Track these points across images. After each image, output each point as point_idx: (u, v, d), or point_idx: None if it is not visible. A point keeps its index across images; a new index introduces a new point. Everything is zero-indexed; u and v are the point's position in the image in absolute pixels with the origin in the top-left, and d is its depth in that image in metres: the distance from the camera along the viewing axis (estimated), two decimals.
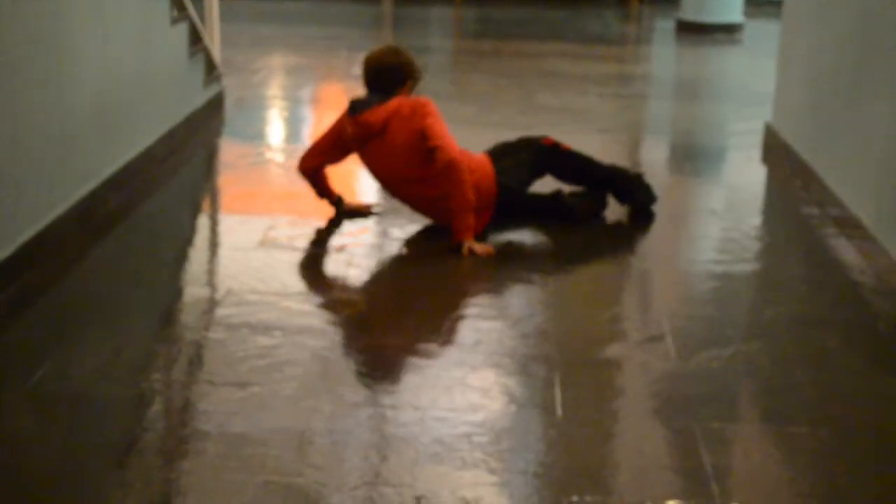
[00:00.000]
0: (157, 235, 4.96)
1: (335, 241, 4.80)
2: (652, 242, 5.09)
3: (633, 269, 4.75)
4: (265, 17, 11.08)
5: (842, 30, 5.34)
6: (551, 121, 7.13)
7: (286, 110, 7.51)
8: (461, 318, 4.00)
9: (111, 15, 5.17)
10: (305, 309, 4.06)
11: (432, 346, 3.78)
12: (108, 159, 5.18)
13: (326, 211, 5.27)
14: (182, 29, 6.30)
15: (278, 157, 6.29)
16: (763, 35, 10.17)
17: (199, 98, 6.67)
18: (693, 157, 6.60)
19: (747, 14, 11.07)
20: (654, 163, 6.56)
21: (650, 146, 6.97)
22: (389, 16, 11.89)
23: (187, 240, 4.95)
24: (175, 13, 6.16)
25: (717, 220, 5.35)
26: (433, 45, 9.89)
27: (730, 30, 10.80)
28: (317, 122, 7.35)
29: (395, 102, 4.86)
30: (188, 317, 4.06)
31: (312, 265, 4.50)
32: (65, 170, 4.71)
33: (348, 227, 5.04)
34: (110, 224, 4.92)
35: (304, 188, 5.75)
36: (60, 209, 4.62)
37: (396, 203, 5.35)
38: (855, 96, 5.10)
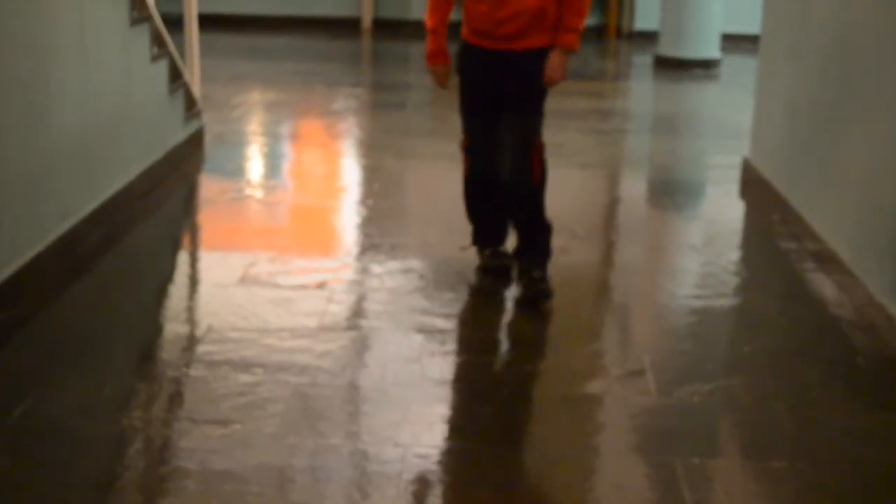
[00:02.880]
0: (138, 272, 4.96)
1: (315, 277, 4.80)
2: (631, 277, 5.11)
3: (613, 304, 4.77)
4: (244, 52, 11.10)
5: (818, 65, 5.39)
6: None
7: (266, 146, 7.53)
8: (442, 353, 4.01)
9: (92, 52, 5.18)
10: (286, 346, 4.06)
11: (413, 383, 3.79)
12: (88, 195, 5.18)
13: (306, 246, 5.27)
14: (162, 66, 6.31)
15: (258, 193, 6.30)
16: (740, 70, 10.24)
17: (180, 134, 6.68)
18: (672, 191, 6.63)
19: (724, 49, 11.13)
20: (633, 197, 6.59)
21: (629, 181, 7.00)
22: (368, 51, 11.93)
23: (168, 276, 4.94)
24: (155, 50, 6.17)
25: (696, 254, 5.38)
26: (412, 82, 9.93)
27: (707, 65, 10.87)
28: (296, 158, 7.37)
29: None
30: (169, 354, 4.06)
31: (293, 302, 4.50)
32: (45, 206, 4.70)
33: (328, 263, 5.05)
34: (91, 260, 4.91)
35: (285, 224, 5.77)
36: (41, 245, 4.61)
37: (375, 239, 5.36)
38: (832, 131, 5.14)
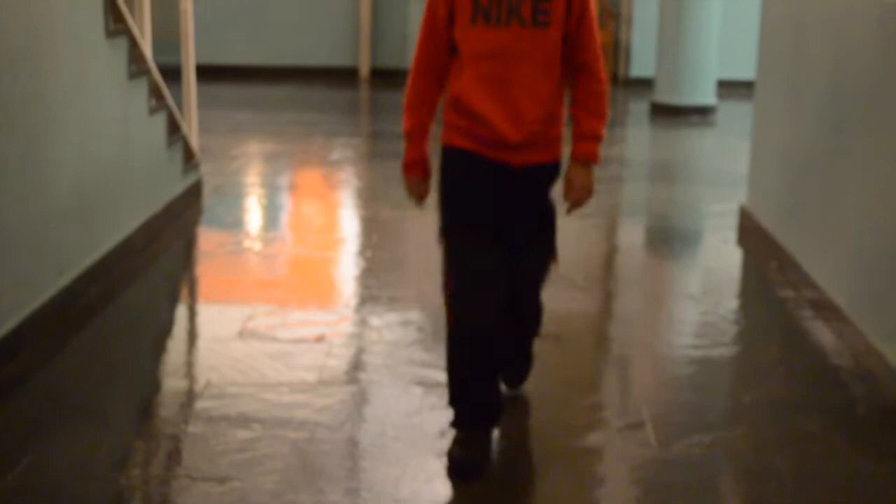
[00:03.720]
0: (136, 327, 4.95)
1: (314, 330, 4.80)
2: (630, 327, 5.11)
3: (612, 355, 4.76)
4: (243, 102, 11.15)
5: (814, 111, 5.41)
6: None
7: (264, 197, 7.54)
8: (442, 407, 4.00)
9: (90, 105, 5.20)
10: (285, 401, 4.05)
11: (413, 438, 3.78)
12: (86, 250, 5.18)
13: (305, 299, 5.27)
14: (160, 118, 6.34)
15: (257, 246, 6.30)
16: (736, 116, 10.28)
17: (178, 186, 6.70)
18: (669, 239, 6.64)
19: (720, 96, 11.18)
20: (631, 246, 6.60)
21: (627, 229, 7.01)
22: (366, 101, 11.98)
23: (166, 331, 4.94)
24: (153, 103, 6.20)
25: (695, 303, 5.38)
26: None
27: (703, 112, 10.91)
28: (295, 210, 7.38)
29: None
30: (167, 410, 4.05)
31: (291, 356, 4.49)
32: (43, 261, 4.71)
33: (326, 316, 5.04)
34: (89, 315, 4.91)
35: (283, 276, 5.77)
36: (38, 301, 4.61)
37: (374, 290, 5.37)
38: (828, 178, 5.15)
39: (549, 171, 3.67)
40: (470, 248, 3.57)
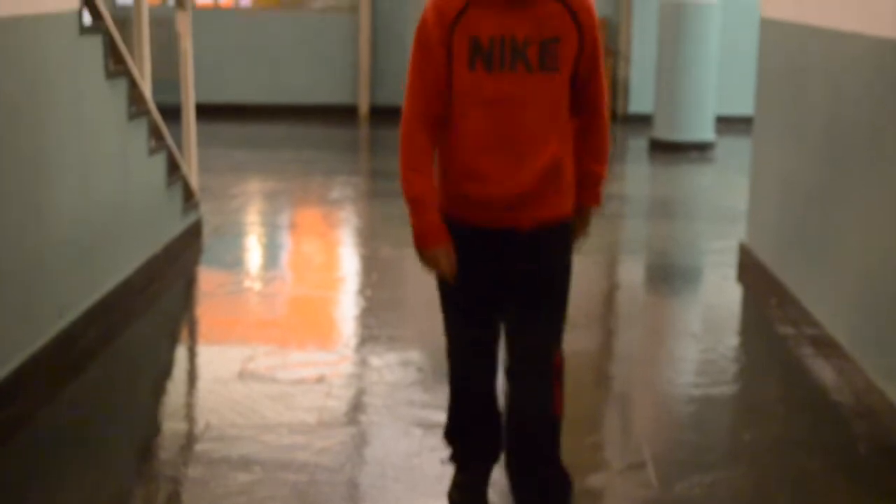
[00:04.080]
0: (136, 368, 4.95)
1: (314, 371, 4.79)
2: (631, 365, 5.10)
3: (613, 393, 4.76)
4: (243, 141, 11.17)
5: (812, 148, 5.42)
6: None
7: (264, 237, 7.55)
8: (442, 448, 3.98)
9: (90, 146, 5.22)
10: (285, 443, 4.04)
11: (413, 480, 3.77)
12: (86, 291, 5.18)
13: (305, 339, 5.27)
14: (160, 159, 6.35)
15: (256, 285, 6.31)
16: (735, 152, 10.30)
17: (177, 226, 6.70)
18: (670, 277, 6.64)
19: (719, 131, 11.21)
20: (631, 284, 6.60)
21: (627, 267, 7.01)
22: (365, 139, 12.00)
23: (166, 372, 4.93)
24: (153, 143, 6.21)
25: (695, 341, 5.37)
26: None
27: (702, 148, 10.93)
28: (295, 249, 7.38)
29: None
30: (167, 453, 4.04)
31: (291, 397, 4.48)
32: (42, 302, 4.71)
33: (326, 356, 5.04)
34: (89, 357, 4.91)
35: (283, 316, 5.76)
36: (38, 343, 4.61)
37: (374, 330, 5.36)
38: (827, 215, 5.16)
39: (564, 230, 3.28)
40: (465, 328, 3.37)
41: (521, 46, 3.06)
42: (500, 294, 3.28)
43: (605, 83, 3.29)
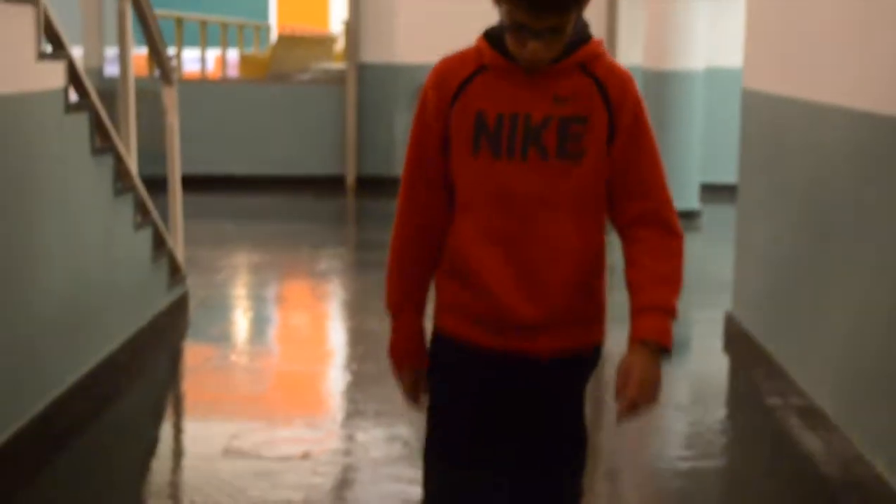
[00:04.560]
0: (121, 445, 4.92)
1: (299, 447, 4.76)
2: (618, 438, 5.08)
3: (601, 468, 4.73)
4: (230, 213, 11.19)
5: (796, 219, 5.45)
6: None
7: (250, 310, 7.54)
8: None
9: (75, 223, 5.22)
10: None
11: None
12: (70, 367, 5.16)
13: (291, 414, 5.24)
14: (145, 234, 6.36)
15: (243, 360, 6.28)
16: (721, 220, 10.34)
17: (163, 301, 6.69)
18: None
19: (704, 199, 11.25)
20: (617, 355, 6.58)
21: (615, 338, 6.97)
22: (352, 210, 12.04)
23: (150, 449, 4.90)
24: (138, 219, 6.22)
25: (683, 413, 5.36)
26: None
27: (688, 217, 10.95)
28: (281, 322, 7.37)
29: (589, 53, 2.57)
30: None
31: (277, 474, 4.45)
32: (27, 379, 4.69)
33: (312, 433, 5.01)
34: (72, 434, 4.87)
35: (269, 391, 5.74)
36: (21, 420, 4.58)
37: (360, 405, 5.34)
38: (811, 285, 5.17)
39: (587, 365, 2.75)
40: (461, 482, 2.72)
41: (535, 127, 2.50)
42: (500, 445, 2.71)
43: (664, 174, 2.59)
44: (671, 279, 2.60)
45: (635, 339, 2.59)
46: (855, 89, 4.63)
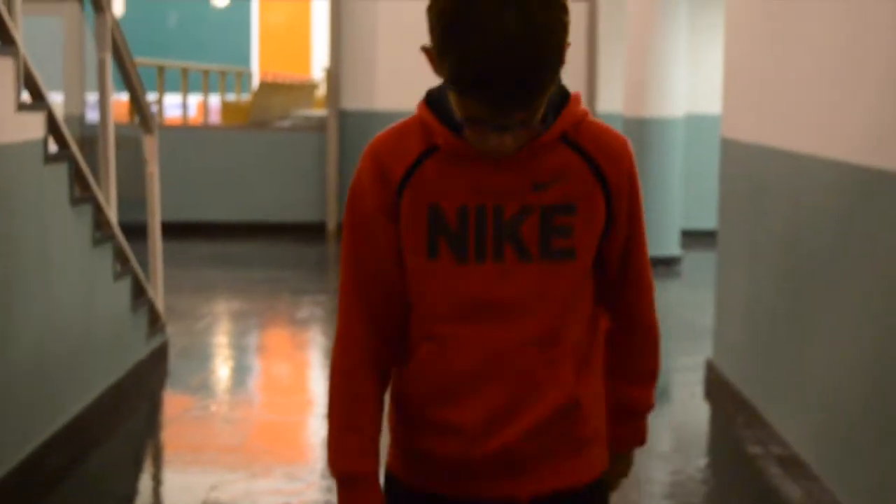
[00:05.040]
0: (99, 496, 4.89)
1: (279, 499, 4.74)
2: None
3: None
4: (210, 260, 11.18)
5: (775, 266, 5.46)
6: None
7: (231, 359, 7.52)
8: None
9: (54, 274, 5.20)
10: None
11: None
12: (48, 418, 5.13)
13: (271, 465, 5.21)
14: (125, 283, 6.34)
15: (223, 409, 6.26)
16: (702, 266, 10.36)
17: (143, 350, 6.67)
18: None
19: (685, 246, 11.29)
20: None
21: None
22: (333, 256, 12.03)
23: (129, 501, 4.87)
24: (118, 268, 6.21)
25: (664, 462, 5.35)
26: None
27: (669, 263, 10.98)
28: (262, 371, 7.35)
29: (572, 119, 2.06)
30: None
31: None
32: (5, 429, 4.65)
33: (292, 484, 4.98)
34: (50, 487, 4.84)
35: (250, 441, 5.71)
36: (2, 470, 4.54)
37: None
38: (791, 332, 5.18)
39: (590, 500, 2.16)
40: None
41: (510, 220, 2.01)
42: None
43: (647, 261, 2.17)
44: (653, 374, 2.25)
45: (619, 450, 2.28)
46: (833, 139, 4.66)
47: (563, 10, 1.88)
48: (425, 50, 1.94)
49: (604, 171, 2.04)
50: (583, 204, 2.03)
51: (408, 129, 2.08)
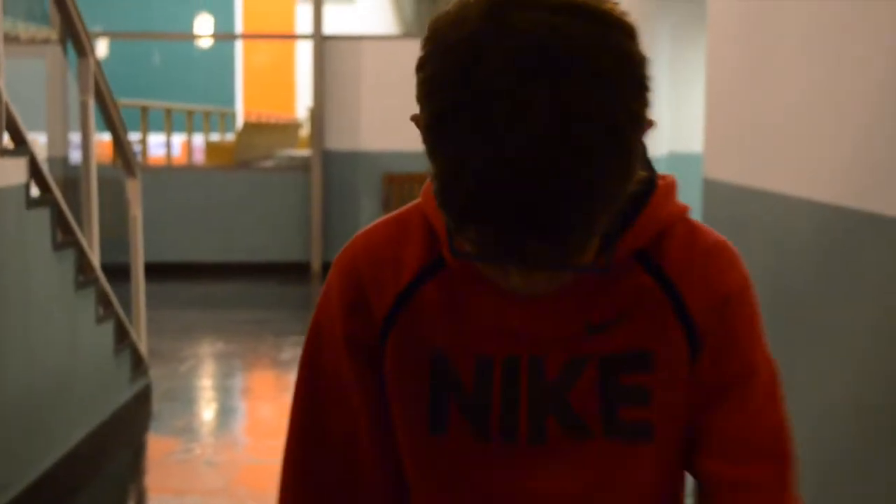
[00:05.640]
0: None
1: None
2: None
3: None
4: (194, 301, 11.15)
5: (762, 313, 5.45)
6: None
7: (215, 401, 7.48)
8: None
9: (36, 319, 5.18)
10: None
11: None
12: (31, 462, 5.10)
13: None
14: (108, 326, 6.31)
15: (207, 453, 6.22)
16: None
17: (126, 393, 6.63)
18: None
19: None
20: None
21: None
22: (317, 296, 12.00)
23: None
24: (101, 311, 6.18)
25: None
26: None
27: None
28: (246, 413, 7.31)
29: (654, 226, 1.33)
30: None
31: None
32: None
33: None
34: None
35: (234, 485, 5.68)
36: None
37: None
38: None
39: None
40: None
41: (555, 381, 1.33)
42: None
43: (782, 425, 1.51)
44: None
45: None
46: (816, 181, 4.68)
47: (637, 83, 1.12)
48: (415, 120, 1.21)
49: (687, 305, 1.34)
50: (662, 351, 1.33)
51: (404, 227, 1.38)
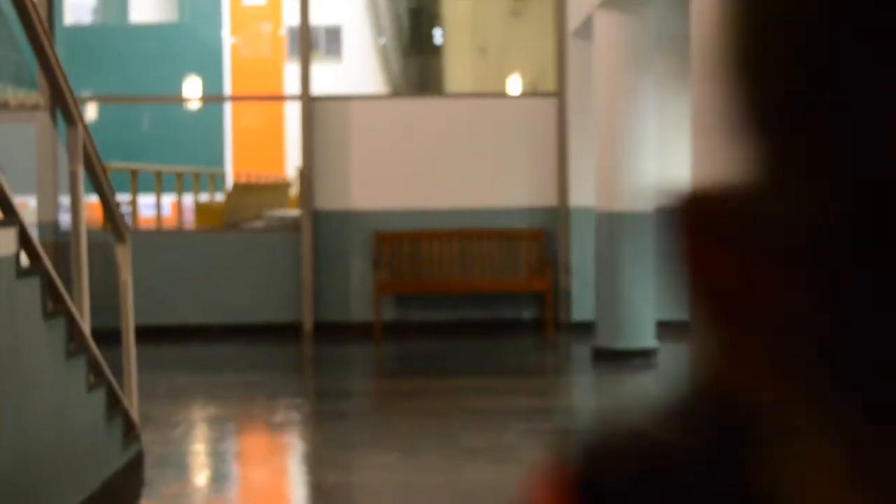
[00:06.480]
0: None
1: None
2: None
3: None
4: (185, 364, 11.12)
5: None
6: (477, 465, 7.12)
7: (207, 466, 7.45)
8: None
9: (27, 388, 5.17)
10: None
11: None
12: None
13: None
14: (99, 394, 6.29)
15: None
16: (677, 358, 10.37)
17: (117, 461, 6.60)
18: None
19: (659, 336, 11.29)
20: None
21: None
22: (310, 357, 11.99)
23: None
24: (92, 379, 6.16)
25: None
26: (354, 388, 9.96)
27: (645, 355, 10.98)
28: (239, 478, 7.28)
29: None
30: None
31: None
32: None
33: None
34: None
35: None
36: None
37: None
38: None
39: None
40: None
41: None
42: None
43: None
44: None
45: None
46: None
47: None
48: None
49: None
50: None
51: None
